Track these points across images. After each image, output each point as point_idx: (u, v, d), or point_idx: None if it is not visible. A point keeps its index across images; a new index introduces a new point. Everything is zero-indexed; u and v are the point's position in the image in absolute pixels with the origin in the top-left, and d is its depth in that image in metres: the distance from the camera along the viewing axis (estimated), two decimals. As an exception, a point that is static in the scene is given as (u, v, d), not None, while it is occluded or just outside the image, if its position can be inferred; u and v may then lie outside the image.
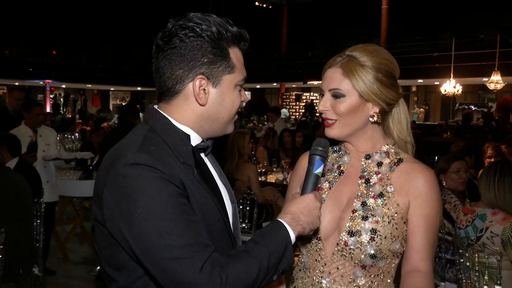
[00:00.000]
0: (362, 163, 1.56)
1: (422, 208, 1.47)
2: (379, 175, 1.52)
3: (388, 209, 1.46)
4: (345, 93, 1.47)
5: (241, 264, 1.15)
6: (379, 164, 1.54)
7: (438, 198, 1.50)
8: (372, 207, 1.47)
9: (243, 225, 4.58)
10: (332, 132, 1.53)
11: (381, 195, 1.49)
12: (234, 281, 1.13)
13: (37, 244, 3.73)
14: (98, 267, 5.00)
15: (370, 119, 1.52)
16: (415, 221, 1.47)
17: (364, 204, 1.48)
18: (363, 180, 1.53)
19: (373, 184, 1.51)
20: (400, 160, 1.54)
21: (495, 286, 2.75)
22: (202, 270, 1.10)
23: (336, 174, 1.59)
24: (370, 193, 1.50)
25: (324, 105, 1.51)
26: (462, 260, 2.96)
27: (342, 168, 1.59)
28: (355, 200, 1.50)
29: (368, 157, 1.56)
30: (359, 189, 1.52)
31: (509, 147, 5.66)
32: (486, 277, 2.84)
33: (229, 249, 1.29)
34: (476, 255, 2.87)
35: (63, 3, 23.91)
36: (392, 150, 1.56)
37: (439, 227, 1.52)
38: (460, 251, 2.97)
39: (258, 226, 4.68)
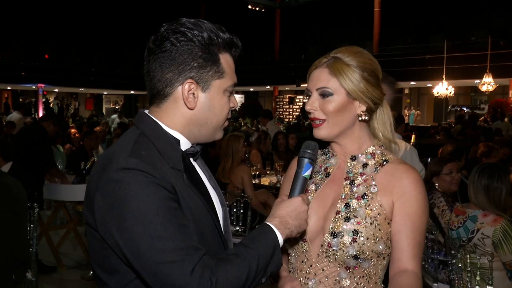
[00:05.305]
0: (348, 164, 1.56)
1: (406, 207, 1.45)
2: (364, 176, 1.52)
3: (371, 210, 1.46)
4: (333, 92, 1.48)
5: (231, 267, 1.17)
6: (364, 165, 1.54)
7: (423, 197, 1.48)
8: (355, 208, 1.47)
9: (237, 228, 4.57)
10: (321, 132, 1.53)
11: (364, 196, 1.48)
12: (224, 284, 1.14)
13: (31, 249, 3.71)
14: (91, 272, 4.97)
15: (358, 117, 1.52)
16: (399, 220, 1.45)
17: (347, 205, 1.48)
18: (348, 182, 1.53)
19: (357, 185, 1.51)
20: (385, 161, 1.54)
21: (487, 287, 2.77)
22: (192, 273, 1.11)
23: (322, 176, 1.59)
24: (353, 194, 1.50)
25: (312, 104, 1.51)
26: (454, 261, 2.98)
27: (328, 170, 1.59)
28: (339, 202, 1.50)
29: (354, 158, 1.56)
30: (344, 190, 1.52)
31: (501, 148, 5.75)
32: (478, 278, 2.87)
33: (220, 252, 1.30)
34: (468, 256, 2.89)
35: (56, 7, 23.83)
36: (378, 152, 1.56)
37: (425, 226, 1.50)
38: (452, 252, 2.99)
39: (252, 229, 4.68)
